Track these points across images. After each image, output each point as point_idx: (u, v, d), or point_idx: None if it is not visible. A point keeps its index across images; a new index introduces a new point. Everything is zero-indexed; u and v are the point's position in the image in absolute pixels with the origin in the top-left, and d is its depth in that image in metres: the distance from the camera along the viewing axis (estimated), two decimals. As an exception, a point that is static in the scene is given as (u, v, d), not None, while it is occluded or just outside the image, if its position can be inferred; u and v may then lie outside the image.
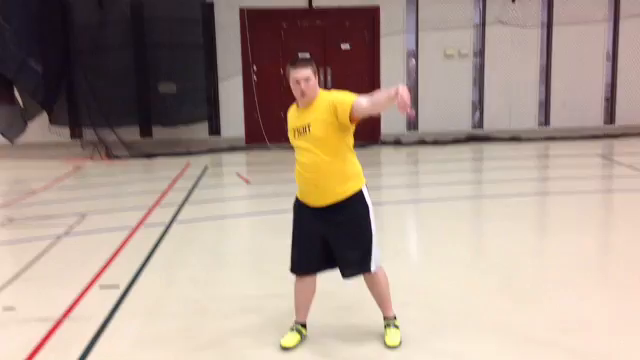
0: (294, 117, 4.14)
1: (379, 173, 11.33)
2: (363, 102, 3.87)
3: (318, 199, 4.05)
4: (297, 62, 4.09)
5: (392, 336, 4.25)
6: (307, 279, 4.27)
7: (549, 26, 13.85)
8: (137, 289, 5.38)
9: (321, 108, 4.00)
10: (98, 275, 5.67)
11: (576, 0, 13.52)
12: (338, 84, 13.57)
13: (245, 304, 5.03)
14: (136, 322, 4.77)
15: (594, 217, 7.78)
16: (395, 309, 4.38)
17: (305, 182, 4.06)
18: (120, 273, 5.72)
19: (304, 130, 4.01)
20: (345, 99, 3.94)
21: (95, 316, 4.79)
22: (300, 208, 4.18)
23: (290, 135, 4.12)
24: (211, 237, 7.08)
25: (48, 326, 4.63)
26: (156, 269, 5.92)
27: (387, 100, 3.76)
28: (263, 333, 4.47)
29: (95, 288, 5.39)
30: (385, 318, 4.33)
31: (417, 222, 8.00)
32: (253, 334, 4.49)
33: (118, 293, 5.24)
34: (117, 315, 4.85)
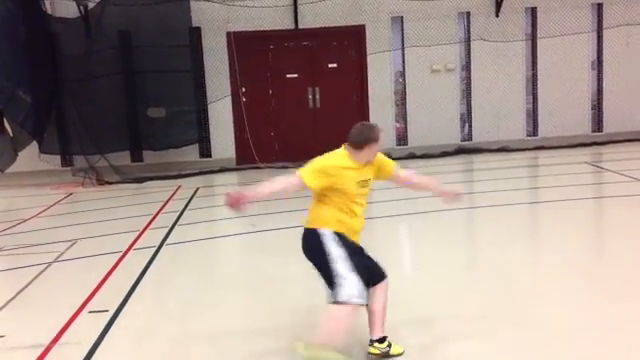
0: (355, 170, 4.25)
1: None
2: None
3: (358, 237, 4.33)
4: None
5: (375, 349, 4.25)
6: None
7: (533, 38, 14.02)
8: (126, 313, 5.38)
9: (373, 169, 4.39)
10: (88, 300, 5.67)
11: (559, 12, 13.70)
12: (327, 103, 13.70)
13: (235, 325, 5.03)
14: (125, 346, 4.78)
15: (585, 224, 7.83)
16: (387, 324, 4.32)
17: (358, 224, 4.29)
18: (110, 297, 5.72)
19: (365, 183, 4.30)
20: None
21: (84, 341, 4.79)
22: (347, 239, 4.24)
23: (353, 184, 4.21)
24: (201, 258, 7.09)
25: (37, 352, 4.63)
26: (146, 292, 5.93)
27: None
28: (253, 355, 4.47)
29: (84, 313, 5.39)
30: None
31: (409, 235, 8.02)
32: (243, 356, 4.48)
33: (107, 317, 5.24)
34: (106, 339, 4.85)
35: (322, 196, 4.24)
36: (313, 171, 4.17)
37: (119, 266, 6.71)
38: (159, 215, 9.21)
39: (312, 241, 4.21)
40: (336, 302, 4.02)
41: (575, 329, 4.57)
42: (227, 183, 12.27)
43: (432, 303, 5.22)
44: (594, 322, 4.68)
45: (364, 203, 4.34)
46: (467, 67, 14.09)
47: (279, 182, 4.25)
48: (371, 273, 4.22)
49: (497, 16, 13.75)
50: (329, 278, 4.09)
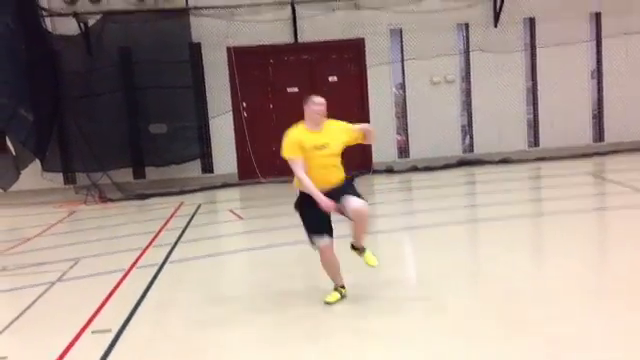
0: (310, 136, 5.53)
1: (372, 201, 11.32)
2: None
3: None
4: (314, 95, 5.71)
5: None
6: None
7: (532, 48, 14.06)
8: (129, 332, 5.36)
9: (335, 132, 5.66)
10: (91, 320, 5.65)
11: (558, 22, 13.75)
12: (328, 115, 13.66)
13: (241, 344, 5.01)
14: (129, 366, 4.75)
15: (587, 236, 7.80)
16: (388, 340, 4.35)
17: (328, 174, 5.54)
18: (113, 316, 5.70)
19: (323, 147, 5.50)
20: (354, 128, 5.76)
21: (87, 362, 4.77)
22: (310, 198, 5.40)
23: (308, 149, 5.46)
24: (204, 275, 7.06)
25: (40, 374, 4.62)
26: (149, 311, 5.90)
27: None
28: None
29: (87, 333, 5.37)
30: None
31: (411, 249, 8.00)
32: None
33: (110, 337, 5.22)
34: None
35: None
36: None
37: (122, 285, 6.69)
38: (162, 232, 9.20)
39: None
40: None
41: (577, 340, 4.55)
42: (229, 199, 12.28)
43: (429, 319, 5.19)
44: (597, 334, 4.66)
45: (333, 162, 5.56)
46: (467, 78, 14.13)
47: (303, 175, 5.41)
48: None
49: (496, 27, 13.81)
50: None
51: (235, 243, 8.79)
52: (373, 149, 13.62)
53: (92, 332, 5.39)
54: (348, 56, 14.08)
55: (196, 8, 13.25)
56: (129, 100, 13.40)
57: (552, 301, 5.37)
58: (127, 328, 5.44)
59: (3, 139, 12.80)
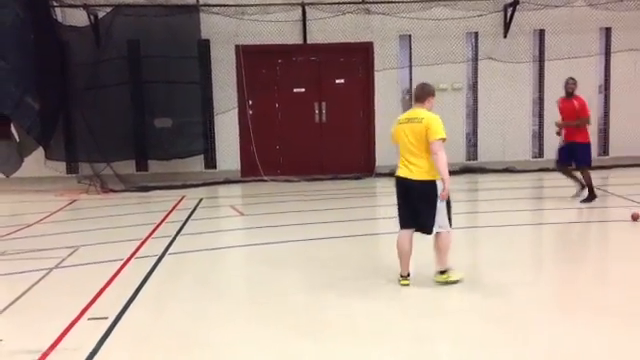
0: None
1: (374, 204, 11.35)
2: None
3: None
4: None
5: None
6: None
7: (541, 59, 14.07)
8: (126, 321, 5.35)
9: None
10: (87, 307, 5.65)
11: (567, 35, 13.75)
12: (333, 118, 13.72)
13: (236, 337, 5.00)
14: (123, 354, 4.74)
15: (588, 248, 7.79)
16: (383, 344, 4.32)
17: None
18: (110, 305, 5.69)
19: None
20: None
21: (82, 348, 4.75)
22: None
23: None
24: (203, 269, 7.07)
25: (35, 358, 4.60)
26: (146, 301, 5.90)
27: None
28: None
29: (84, 320, 5.36)
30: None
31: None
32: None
33: (107, 325, 5.21)
34: (105, 347, 4.82)
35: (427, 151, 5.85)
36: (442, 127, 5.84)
37: (120, 274, 6.69)
38: (162, 224, 9.21)
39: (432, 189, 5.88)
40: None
41: (575, 354, 4.53)
42: (231, 195, 12.29)
43: (424, 325, 5.17)
44: (596, 348, 4.64)
45: None
46: (474, 87, 14.13)
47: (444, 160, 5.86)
48: None
49: (505, 37, 13.82)
50: (434, 215, 5.91)
51: (235, 238, 8.81)
52: (376, 152, 13.63)
53: (88, 319, 5.38)
54: (356, 59, 14.10)
55: (206, 5, 13.29)
56: (136, 93, 13.43)
57: (552, 311, 5.36)
58: (124, 316, 5.44)
59: (7, 126, 12.84)
